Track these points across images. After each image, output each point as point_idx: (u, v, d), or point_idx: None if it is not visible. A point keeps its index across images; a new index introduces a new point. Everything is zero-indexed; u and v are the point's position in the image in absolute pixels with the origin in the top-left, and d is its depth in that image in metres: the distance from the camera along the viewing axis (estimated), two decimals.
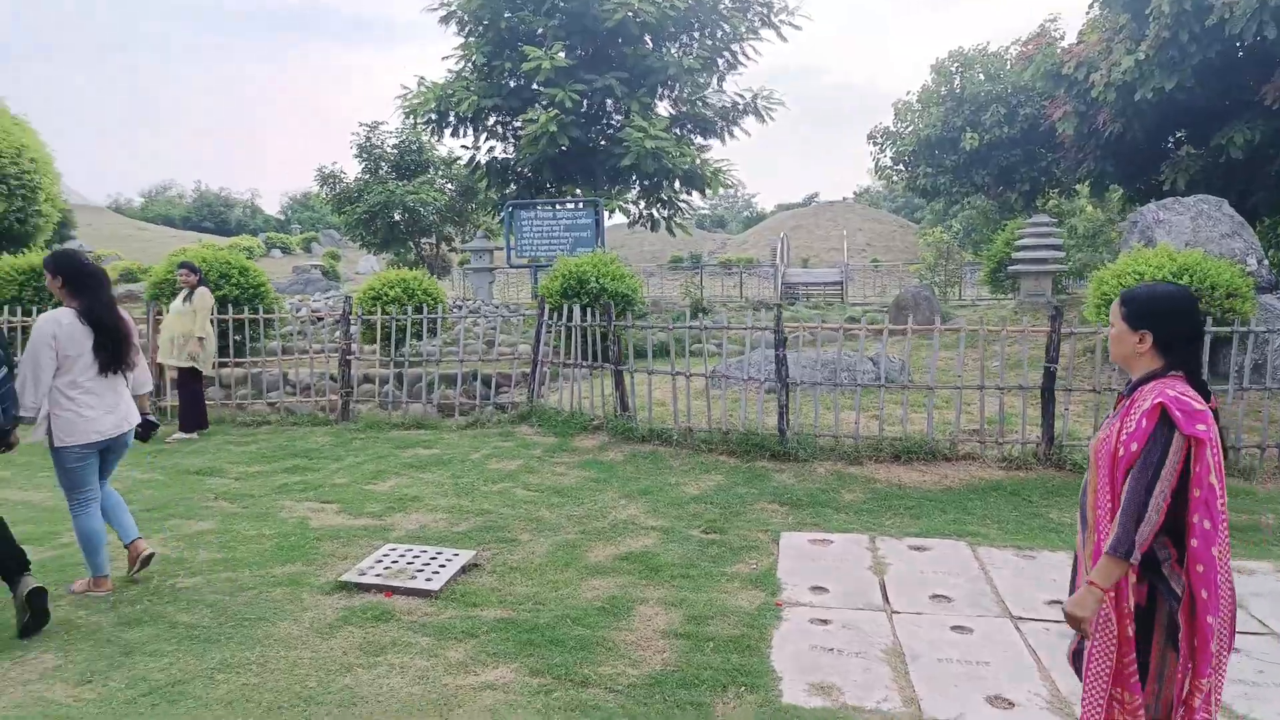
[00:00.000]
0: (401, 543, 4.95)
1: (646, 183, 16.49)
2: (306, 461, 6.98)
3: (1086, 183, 17.62)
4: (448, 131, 17.27)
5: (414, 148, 22.81)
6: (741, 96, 17.57)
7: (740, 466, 6.55)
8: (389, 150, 22.91)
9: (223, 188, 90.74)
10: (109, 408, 4.02)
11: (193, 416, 8.13)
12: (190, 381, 8.18)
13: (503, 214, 18.12)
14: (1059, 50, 15.62)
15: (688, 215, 18.65)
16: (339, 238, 66.27)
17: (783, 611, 3.98)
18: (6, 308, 9.73)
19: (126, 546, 4.24)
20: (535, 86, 16.63)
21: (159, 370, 8.83)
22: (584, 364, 8.08)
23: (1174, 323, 2.25)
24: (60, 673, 3.37)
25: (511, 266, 12.87)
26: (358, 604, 4.06)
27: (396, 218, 22.21)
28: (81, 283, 4.02)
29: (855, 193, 73.54)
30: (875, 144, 25.31)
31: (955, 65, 23.31)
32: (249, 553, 4.76)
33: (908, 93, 27.76)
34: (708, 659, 3.50)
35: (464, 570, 4.52)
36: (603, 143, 16.81)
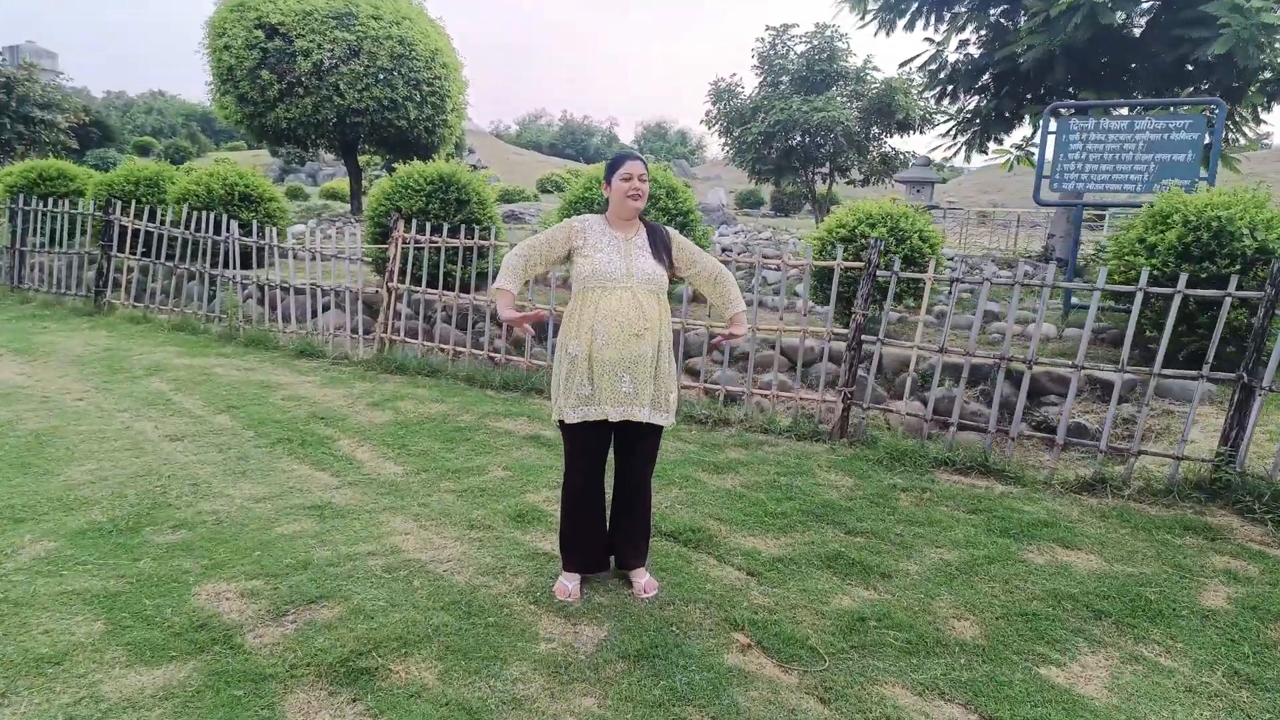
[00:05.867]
0: None
1: (1227, 86, 10.95)
2: (851, 544, 3.79)
3: None
4: (901, 23, 13.16)
5: (824, 55, 18.95)
6: None
7: None
8: (793, 60, 19.31)
9: (585, 116, 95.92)
10: None
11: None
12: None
13: (985, 137, 13.72)
14: None
15: (1251, 140, 12.70)
16: (688, 169, 66.00)
17: None
18: (415, 222, 7.95)
19: None
20: None
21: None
22: None
23: None
24: None
25: (1041, 203, 8.70)
26: None
27: (794, 142, 18.78)
28: None
29: None
30: None
31: None
32: None
33: None
34: None
35: None
36: (1134, 35, 11.60)
